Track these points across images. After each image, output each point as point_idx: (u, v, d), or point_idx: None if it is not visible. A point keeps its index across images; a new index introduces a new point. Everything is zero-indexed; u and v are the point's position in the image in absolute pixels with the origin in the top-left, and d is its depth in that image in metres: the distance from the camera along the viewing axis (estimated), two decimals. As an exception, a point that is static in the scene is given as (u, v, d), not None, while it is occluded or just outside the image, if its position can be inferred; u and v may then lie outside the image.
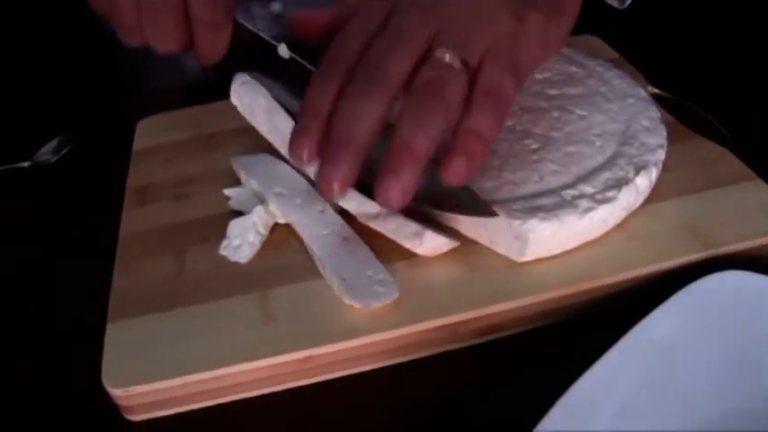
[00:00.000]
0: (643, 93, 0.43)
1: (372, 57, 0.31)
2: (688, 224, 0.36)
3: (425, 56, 0.31)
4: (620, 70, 0.44)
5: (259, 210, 0.37)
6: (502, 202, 0.36)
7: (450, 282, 0.35)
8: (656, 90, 0.47)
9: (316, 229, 0.36)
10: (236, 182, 0.41)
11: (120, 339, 0.33)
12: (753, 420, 0.30)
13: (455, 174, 0.31)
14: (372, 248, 0.36)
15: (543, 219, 0.34)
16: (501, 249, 0.36)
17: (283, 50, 0.35)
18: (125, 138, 0.48)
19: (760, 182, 0.38)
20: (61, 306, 0.39)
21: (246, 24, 0.37)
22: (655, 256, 0.35)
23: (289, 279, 0.36)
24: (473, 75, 0.32)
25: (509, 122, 0.41)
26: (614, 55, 0.50)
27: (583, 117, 0.41)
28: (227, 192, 0.40)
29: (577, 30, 0.53)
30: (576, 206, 0.35)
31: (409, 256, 0.36)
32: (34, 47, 0.57)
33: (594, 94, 0.42)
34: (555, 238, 0.35)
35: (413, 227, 0.34)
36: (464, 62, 0.31)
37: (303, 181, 0.39)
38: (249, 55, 0.37)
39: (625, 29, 0.52)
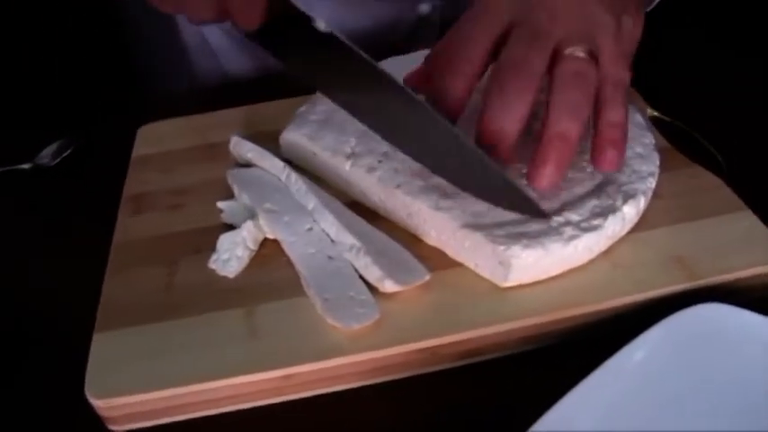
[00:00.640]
0: (639, 118, 0.43)
1: (514, 55, 0.35)
2: (674, 254, 0.37)
3: (556, 56, 0.35)
4: (617, 94, 0.44)
5: (249, 225, 0.38)
6: (488, 227, 0.36)
7: (433, 304, 0.35)
8: (656, 113, 0.47)
9: (302, 247, 0.37)
10: (232, 194, 0.42)
11: (105, 350, 0.34)
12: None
13: (609, 163, 0.36)
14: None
15: (527, 246, 0.35)
16: (485, 273, 0.36)
17: (321, 24, 0.35)
18: (127, 143, 0.49)
19: (749, 213, 0.38)
20: (59, 308, 0.40)
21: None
22: (638, 285, 0.35)
23: (275, 295, 0.36)
24: (598, 71, 0.36)
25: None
26: (614, 76, 0.50)
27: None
28: (220, 204, 0.41)
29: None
30: (561, 233, 0.35)
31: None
32: (41, 47, 0.58)
33: (590, 119, 0.42)
34: (538, 265, 0.35)
35: (377, 273, 0.35)
36: (592, 56, 0.35)
37: (293, 199, 0.39)
38: (285, 26, 0.36)
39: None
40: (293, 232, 0.37)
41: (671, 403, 0.31)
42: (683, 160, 0.42)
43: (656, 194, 0.39)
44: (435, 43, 0.40)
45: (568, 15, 0.36)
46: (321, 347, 0.33)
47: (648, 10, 0.47)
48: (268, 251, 0.39)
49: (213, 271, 0.38)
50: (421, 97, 0.36)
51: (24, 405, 0.35)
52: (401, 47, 0.62)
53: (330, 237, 0.37)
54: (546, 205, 0.37)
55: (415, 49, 0.63)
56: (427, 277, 0.35)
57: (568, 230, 0.35)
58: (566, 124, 0.34)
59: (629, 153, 0.40)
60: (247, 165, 0.43)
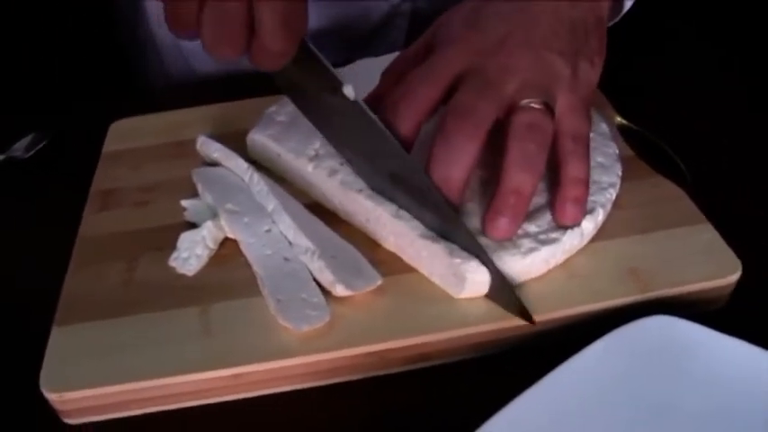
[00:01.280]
0: (604, 127, 0.43)
1: (464, 103, 0.35)
2: (629, 265, 0.37)
3: (511, 108, 0.35)
4: (584, 102, 0.45)
5: (209, 224, 0.38)
6: (446, 239, 0.36)
7: (385, 309, 0.35)
8: (623, 121, 0.47)
9: (259, 248, 0.37)
10: (197, 193, 0.42)
11: (62, 344, 0.35)
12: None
13: (571, 218, 0.36)
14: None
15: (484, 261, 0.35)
16: (439, 283, 0.36)
17: (349, 91, 0.34)
18: (102, 138, 0.49)
19: (709, 226, 0.38)
20: (20, 303, 0.40)
21: (315, 51, 0.34)
22: (591, 296, 0.35)
23: (230, 295, 0.37)
24: (556, 124, 0.36)
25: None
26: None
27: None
28: (183, 203, 0.41)
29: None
30: (518, 246, 0.35)
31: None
32: (17, 41, 0.58)
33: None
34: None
35: (329, 277, 0.35)
36: (548, 107, 0.36)
37: (255, 199, 0.40)
38: (304, 78, 0.36)
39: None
40: (252, 233, 0.38)
41: (614, 415, 0.31)
42: (647, 170, 0.42)
43: (618, 204, 0.40)
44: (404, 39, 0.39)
45: (523, 66, 0.36)
46: (272, 348, 0.34)
47: (616, 21, 0.47)
48: (228, 251, 0.39)
49: (173, 269, 0.38)
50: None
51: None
52: (373, 36, 0.62)
53: (288, 239, 0.37)
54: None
55: (387, 40, 0.63)
56: (379, 282, 0.35)
57: (526, 243, 0.36)
58: (520, 177, 0.34)
59: (590, 163, 0.40)
60: (214, 164, 0.43)
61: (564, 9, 0.38)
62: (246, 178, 0.41)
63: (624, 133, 0.46)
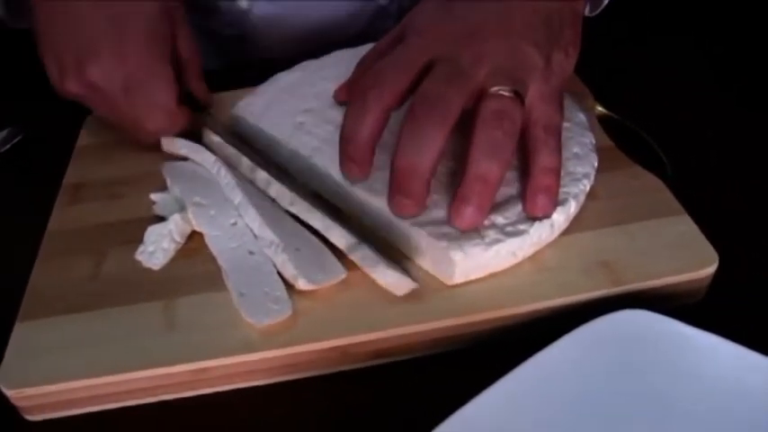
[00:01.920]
0: (582, 117, 0.42)
1: (432, 91, 0.34)
2: (601, 258, 0.36)
3: (480, 95, 0.34)
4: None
5: (176, 217, 0.38)
6: (409, 226, 0.35)
7: (349, 303, 0.35)
8: (603, 110, 0.46)
9: (224, 241, 0.37)
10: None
11: (23, 340, 0.35)
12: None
13: (542, 209, 0.35)
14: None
15: (446, 249, 0.34)
16: (432, 270, 0.36)
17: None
18: (78, 133, 0.49)
19: (686, 218, 0.37)
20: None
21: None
22: (560, 290, 0.34)
23: (195, 289, 0.36)
24: (527, 114, 0.35)
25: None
26: (568, 71, 0.49)
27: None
28: (153, 196, 0.41)
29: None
30: (483, 237, 0.35)
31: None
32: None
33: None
34: (457, 269, 0.34)
35: (291, 270, 0.34)
36: (518, 95, 0.34)
37: (221, 192, 0.39)
38: None
39: (586, 41, 0.51)
40: (218, 226, 0.37)
41: (581, 411, 0.31)
42: (625, 161, 0.41)
43: (593, 195, 0.39)
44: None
45: (495, 54, 0.35)
46: (234, 343, 0.33)
47: (596, 13, 0.46)
48: (195, 244, 0.39)
49: (138, 263, 0.38)
50: None
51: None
52: (359, 36, 0.62)
53: (253, 232, 0.37)
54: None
55: (375, 40, 0.62)
56: (342, 276, 0.35)
57: (491, 234, 0.35)
58: (486, 165, 0.33)
59: (564, 154, 0.39)
60: (185, 158, 0.43)
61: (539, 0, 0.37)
62: (214, 171, 0.40)
63: (604, 123, 0.45)
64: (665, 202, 0.38)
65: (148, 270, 0.37)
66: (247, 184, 0.40)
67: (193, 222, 0.38)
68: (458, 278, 0.35)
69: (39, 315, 0.36)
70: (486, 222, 0.35)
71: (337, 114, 0.42)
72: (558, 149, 0.36)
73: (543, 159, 0.35)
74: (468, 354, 0.35)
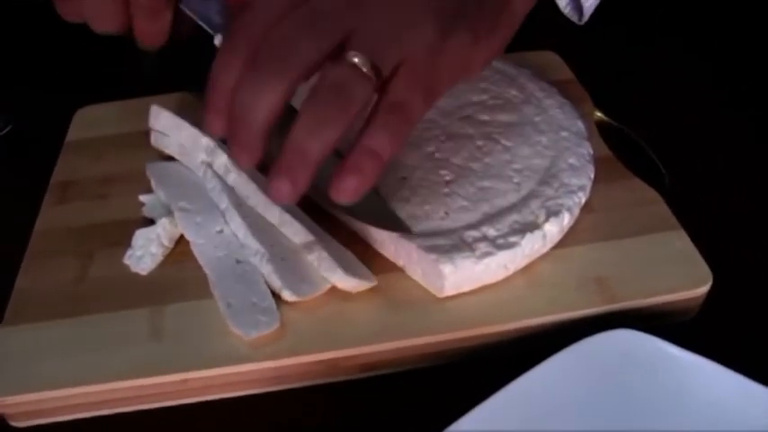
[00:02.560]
0: (580, 125, 0.41)
1: (279, 36, 0.29)
2: (595, 274, 0.35)
3: (336, 52, 0.29)
4: (562, 97, 0.43)
5: (164, 222, 0.37)
6: (398, 238, 0.35)
7: (337, 315, 0.34)
8: (603, 117, 0.45)
9: (211, 249, 0.36)
10: (157, 187, 0.41)
11: (7, 346, 0.34)
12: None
13: (344, 192, 0.29)
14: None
15: (436, 261, 0.34)
16: (422, 282, 0.35)
17: (219, 41, 0.34)
18: (68, 125, 0.48)
19: (682, 233, 0.37)
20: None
21: (187, 11, 0.36)
22: (552, 306, 0.34)
23: (183, 296, 0.36)
24: (382, 84, 0.30)
25: (429, 149, 0.40)
26: (569, 75, 0.48)
27: (507, 149, 0.39)
28: (142, 198, 0.40)
29: (537, 44, 0.51)
30: (473, 249, 0.34)
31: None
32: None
33: (526, 124, 0.40)
34: (447, 282, 0.34)
35: (276, 282, 0.34)
36: (375, 69, 0.29)
37: (208, 197, 0.39)
38: (191, 44, 0.36)
39: (586, 45, 0.49)
40: (204, 234, 0.37)
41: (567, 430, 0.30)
42: (623, 172, 0.41)
43: (589, 207, 0.38)
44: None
45: (376, 8, 0.30)
46: (221, 354, 0.33)
47: (585, 21, 0.44)
48: (184, 248, 0.38)
49: (126, 267, 0.37)
50: None
51: None
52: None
53: (239, 238, 0.36)
54: (466, 217, 0.36)
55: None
56: (326, 288, 0.34)
57: (482, 246, 0.34)
58: (305, 140, 0.28)
59: (560, 164, 0.38)
60: (170, 157, 0.42)
61: None
62: (200, 173, 0.40)
63: (604, 130, 0.44)
64: (661, 217, 0.38)
65: (136, 275, 0.37)
66: (232, 188, 0.39)
67: (179, 229, 0.37)
68: (448, 291, 0.34)
69: (24, 320, 0.35)
70: (478, 235, 0.35)
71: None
72: (395, 136, 0.30)
73: (368, 138, 0.29)
74: (457, 368, 0.34)
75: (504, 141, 0.39)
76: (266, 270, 0.34)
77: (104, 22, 0.34)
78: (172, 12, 0.36)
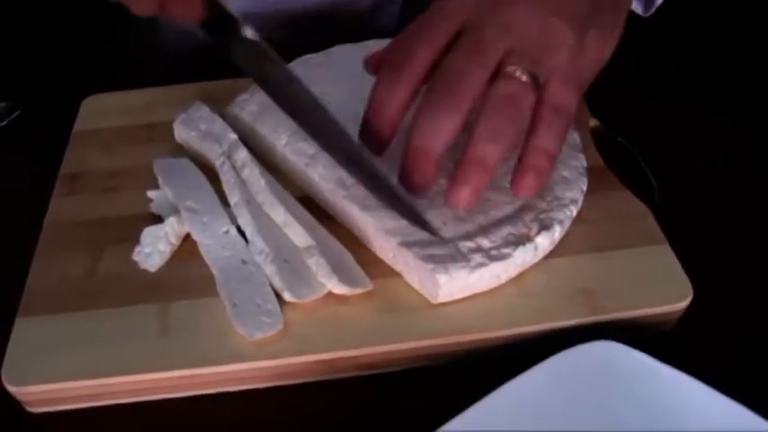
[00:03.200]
0: (575, 137, 0.42)
1: (451, 70, 0.34)
2: (581, 285, 0.37)
3: (497, 71, 0.34)
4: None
5: (172, 220, 0.39)
6: (397, 246, 0.37)
7: (336, 318, 0.36)
8: (597, 123, 0.46)
9: (217, 249, 0.38)
10: (164, 183, 0.42)
11: (24, 336, 0.36)
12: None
13: (526, 189, 0.35)
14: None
15: (432, 271, 0.35)
16: (418, 288, 0.37)
17: (249, 32, 0.36)
18: (77, 111, 0.48)
19: (667, 248, 0.39)
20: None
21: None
22: (539, 316, 0.36)
23: (191, 293, 0.37)
24: (540, 91, 0.34)
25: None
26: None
27: (505, 160, 0.40)
28: (149, 194, 0.41)
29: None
30: (468, 260, 0.36)
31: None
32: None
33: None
34: (441, 290, 0.36)
35: (277, 283, 0.36)
36: (534, 78, 0.34)
37: (215, 197, 0.40)
38: (220, 27, 0.37)
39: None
40: (210, 235, 0.38)
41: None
42: (615, 183, 0.42)
43: (580, 218, 0.40)
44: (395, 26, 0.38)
45: (523, 27, 0.34)
46: (226, 352, 0.35)
47: (651, 13, 0.45)
48: (191, 246, 0.39)
49: (135, 263, 0.39)
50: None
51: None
52: (363, 23, 0.61)
53: (246, 236, 0.38)
54: (461, 228, 0.37)
55: (377, 27, 0.62)
56: (325, 291, 0.36)
57: (477, 257, 0.36)
58: (485, 148, 0.33)
59: (554, 177, 0.40)
60: (179, 149, 0.43)
61: None
62: (218, 164, 0.41)
63: (598, 137, 0.45)
64: (648, 231, 0.40)
65: (145, 271, 0.38)
66: (244, 186, 0.40)
67: (186, 228, 0.39)
68: (442, 298, 0.36)
69: (38, 312, 0.37)
70: (473, 246, 0.36)
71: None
72: (561, 135, 0.35)
73: (540, 139, 0.34)
74: (451, 369, 0.36)
75: (502, 152, 0.41)
76: (269, 270, 0.36)
77: (141, 3, 0.35)
78: None
